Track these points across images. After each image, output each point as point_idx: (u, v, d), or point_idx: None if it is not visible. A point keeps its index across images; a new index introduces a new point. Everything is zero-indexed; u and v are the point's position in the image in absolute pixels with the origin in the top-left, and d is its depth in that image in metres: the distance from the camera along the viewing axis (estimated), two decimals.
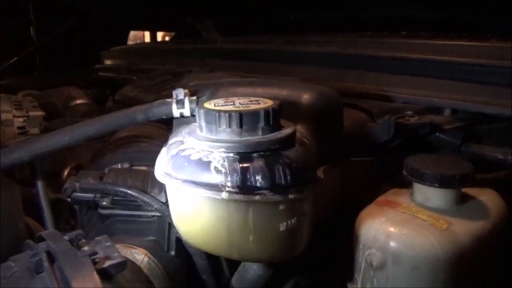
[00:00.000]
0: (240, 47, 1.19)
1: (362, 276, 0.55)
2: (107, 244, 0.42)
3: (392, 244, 0.51)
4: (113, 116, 0.58)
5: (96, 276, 0.37)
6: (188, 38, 1.51)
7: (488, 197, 0.57)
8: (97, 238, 0.43)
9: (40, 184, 0.62)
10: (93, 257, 0.40)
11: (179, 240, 0.60)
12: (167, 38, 2.33)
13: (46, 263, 0.39)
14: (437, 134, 0.70)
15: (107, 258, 0.41)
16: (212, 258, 0.60)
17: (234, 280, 0.59)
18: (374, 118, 0.71)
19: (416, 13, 1.10)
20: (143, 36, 2.64)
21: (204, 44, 1.31)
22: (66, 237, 0.41)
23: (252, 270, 0.55)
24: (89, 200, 0.61)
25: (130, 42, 2.20)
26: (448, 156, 0.58)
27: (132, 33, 2.37)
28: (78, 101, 1.22)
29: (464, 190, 0.56)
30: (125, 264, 0.41)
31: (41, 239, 0.42)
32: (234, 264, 0.60)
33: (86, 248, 0.41)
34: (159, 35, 2.35)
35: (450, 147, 0.68)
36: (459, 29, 0.92)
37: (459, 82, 0.74)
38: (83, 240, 0.42)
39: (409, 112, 0.72)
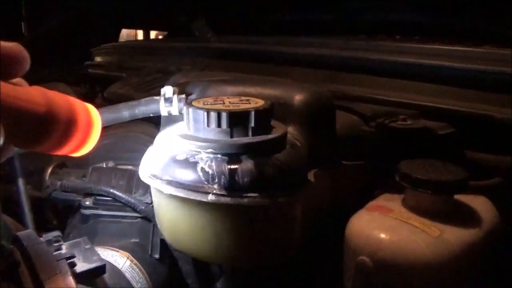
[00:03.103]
0: (233, 47, 1.18)
1: (353, 283, 0.53)
2: (86, 246, 0.40)
3: (382, 250, 0.50)
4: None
5: (72, 281, 0.35)
6: (181, 37, 1.49)
7: (480, 205, 0.57)
8: (76, 240, 0.40)
9: (20, 182, 0.60)
10: (70, 260, 0.38)
11: (163, 243, 0.58)
12: (160, 37, 2.30)
13: (20, 266, 0.37)
14: (431, 139, 0.69)
15: (86, 261, 0.39)
16: (198, 262, 0.59)
17: (220, 285, 0.58)
18: (367, 121, 0.70)
19: (411, 17, 1.10)
20: (136, 35, 2.61)
21: (197, 43, 1.29)
22: (42, 239, 0.39)
23: (240, 274, 0.54)
24: (70, 200, 0.59)
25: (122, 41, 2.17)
26: (442, 162, 0.57)
27: (125, 32, 2.33)
28: None
29: (456, 197, 0.55)
30: (104, 268, 0.39)
31: (16, 239, 0.40)
32: (221, 269, 0.58)
33: (63, 250, 0.39)
34: (152, 34, 2.32)
35: (443, 153, 0.67)
36: (453, 35, 0.92)
37: (453, 87, 0.73)
38: (61, 242, 0.40)
39: (402, 116, 0.71)
